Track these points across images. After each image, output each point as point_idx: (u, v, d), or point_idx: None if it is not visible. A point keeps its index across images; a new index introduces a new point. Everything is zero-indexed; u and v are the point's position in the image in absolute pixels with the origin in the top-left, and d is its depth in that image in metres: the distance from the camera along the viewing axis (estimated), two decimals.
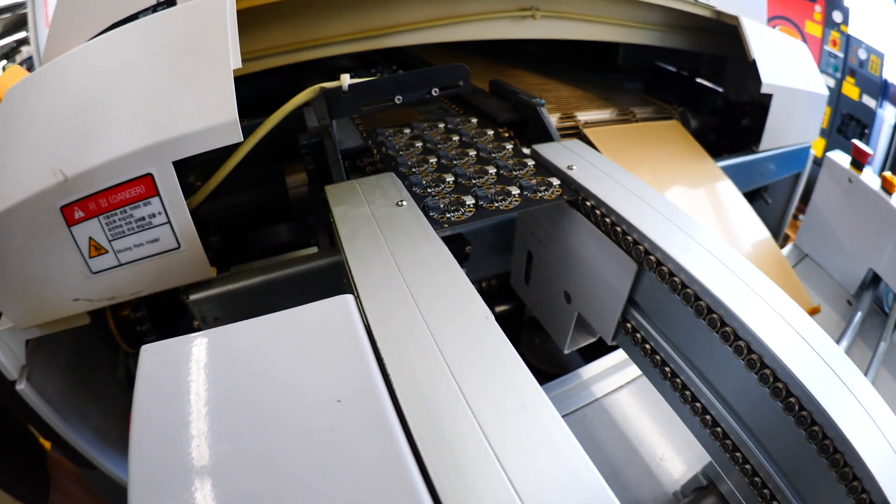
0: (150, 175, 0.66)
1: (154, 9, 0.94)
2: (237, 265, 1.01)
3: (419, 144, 0.89)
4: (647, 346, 0.70)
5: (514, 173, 0.80)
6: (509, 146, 0.89)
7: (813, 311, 1.22)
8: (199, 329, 0.77)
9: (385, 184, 0.73)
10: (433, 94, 0.78)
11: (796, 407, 0.52)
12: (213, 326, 0.81)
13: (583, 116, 1.21)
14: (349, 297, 0.51)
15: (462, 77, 0.79)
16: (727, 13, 1.38)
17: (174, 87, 0.69)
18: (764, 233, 1.24)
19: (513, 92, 1.02)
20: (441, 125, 0.98)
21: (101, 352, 1.05)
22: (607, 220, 0.69)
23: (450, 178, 0.78)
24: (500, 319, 1.22)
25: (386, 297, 0.51)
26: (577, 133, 1.15)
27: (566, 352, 0.87)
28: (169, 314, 0.87)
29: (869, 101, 2.85)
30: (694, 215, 1.17)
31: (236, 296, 0.77)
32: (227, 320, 0.81)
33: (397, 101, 0.77)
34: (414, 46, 1.44)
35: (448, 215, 0.69)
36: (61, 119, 0.71)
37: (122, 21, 0.96)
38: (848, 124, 2.89)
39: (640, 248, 0.65)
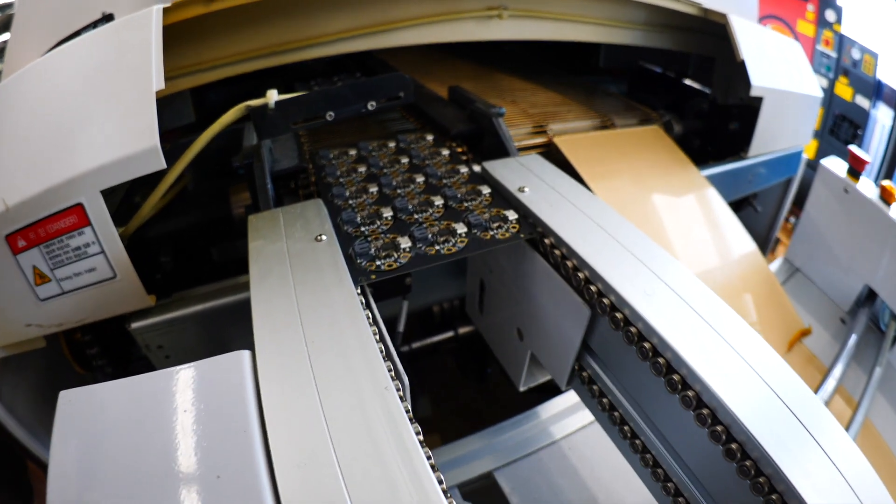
0: (80, 205, 0.64)
1: (95, 24, 0.91)
2: (184, 290, 0.91)
3: (363, 169, 0.76)
4: (605, 399, 0.57)
5: (465, 205, 0.67)
6: (464, 170, 0.76)
7: (804, 334, 1.09)
8: (146, 356, 0.77)
9: (309, 213, 0.62)
10: (370, 107, 0.66)
11: (764, 487, 0.40)
12: (156, 354, 0.77)
13: (556, 125, 1.07)
14: (245, 355, 0.44)
15: (403, 87, 0.66)
16: (715, 11, 1.24)
17: (100, 114, 0.66)
18: (751, 246, 1.10)
19: (470, 100, 0.88)
20: (392, 144, 0.84)
21: (71, 368, 1.01)
22: (557, 252, 0.57)
23: (388, 214, 0.65)
24: (469, 340, 1.11)
25: (282, 357, 0.44)
26: (547, 143, 1.02)
27: (521, 389, 0.75)
28: (119, 339, 0.81)
29: (862, 102, 2.68)
30: (673, 231, 1.05)
31: (178, 324, 0.75)
32: (172, 348, 0.77)
33: (329, 118, 0.65)
34: (383, 53, 1.32)
35: (378, 262, 0.57)
36: (7, 147, 0.70)
37: (70, 36, 0.93)
38: (840, 125, 2.73)
39: (594, 289, 0.53)
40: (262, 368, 0.43)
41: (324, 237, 0.57)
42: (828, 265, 1.25)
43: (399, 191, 0.71)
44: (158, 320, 0.73)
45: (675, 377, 0.46)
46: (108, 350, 0.85)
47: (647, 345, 0.49)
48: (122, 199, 0.90)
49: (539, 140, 1.00)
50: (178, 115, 1.09)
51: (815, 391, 1.00)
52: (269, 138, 0.67)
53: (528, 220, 0.62)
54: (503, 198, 0.67)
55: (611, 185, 0.97)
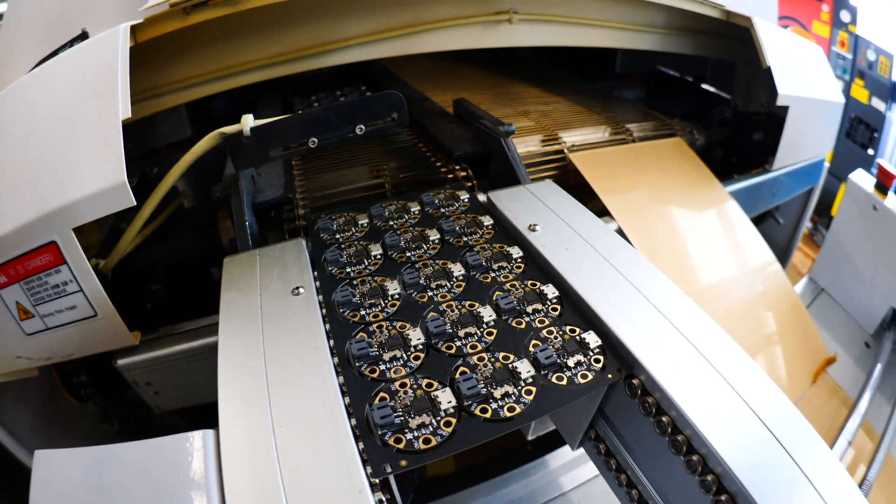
0: (54, 243, 0.59)
1: (71, 43, 0.85)
2: (177, 321, 0.81)
3: (377, 253, 0.54)
4: (613, 461, 0.46)
5: (526, 320, 0.44)
6: (517, 254, 0.52)
7: (829, 362, 0.96)
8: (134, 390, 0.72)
9: (288, 258, 0.50)
10: (358, 132, 0.54)
11: None
12: (146, 390, 0.72)
13: (570, 137, 0.94)
14: (210, 436, 0.39)
15: (395, 107, 0.53)
16: (738, 14, 1.08)
17: (67, 146, 0.60)
18: (776, 270, 0.96)
19: (476, 116, 0.75)
20: (415, 208, 0.60)
21: None
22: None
23: (418, 338, 0.43)
24: None
25: (249, 444, 0.37)
26: (561, 158, 0.88)
27: (529, 438, 0.63)
28: (109, 372, 0.75)
29: (878, 105, 2.46)
30: (694, 254, 0.92)
31: (164, 362, 0.69)
32: (161, 385, 0.72)
33: (312, 145, 0.53)
34: (388, 63, 1.18)
35: (409, 436, 0.36)
36: None
37: (50, 55, 0.86)
38: (856, 128, 2.51)
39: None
40: (227, 455, 0.36)
41: (302, 290, 0.45)
42: (853, 285, 1.10)
43: (430, 293, 0.48)
44: (144, 358, 0.67)
45: (695, 458, 0.35)
46: (98, 382, 0.79)
47: (680, 438, 0.37)
48: (112, 224, 0.81)
49: (554, 156, 0.86)
50: (173, 129, 0.99)
51: (840, 429, 0.87)
52: (245, 169, 0.56)
53: (613, 345, 0.42)
54: (544, 274, 0.50)
55: (630, 207, 0.84)
